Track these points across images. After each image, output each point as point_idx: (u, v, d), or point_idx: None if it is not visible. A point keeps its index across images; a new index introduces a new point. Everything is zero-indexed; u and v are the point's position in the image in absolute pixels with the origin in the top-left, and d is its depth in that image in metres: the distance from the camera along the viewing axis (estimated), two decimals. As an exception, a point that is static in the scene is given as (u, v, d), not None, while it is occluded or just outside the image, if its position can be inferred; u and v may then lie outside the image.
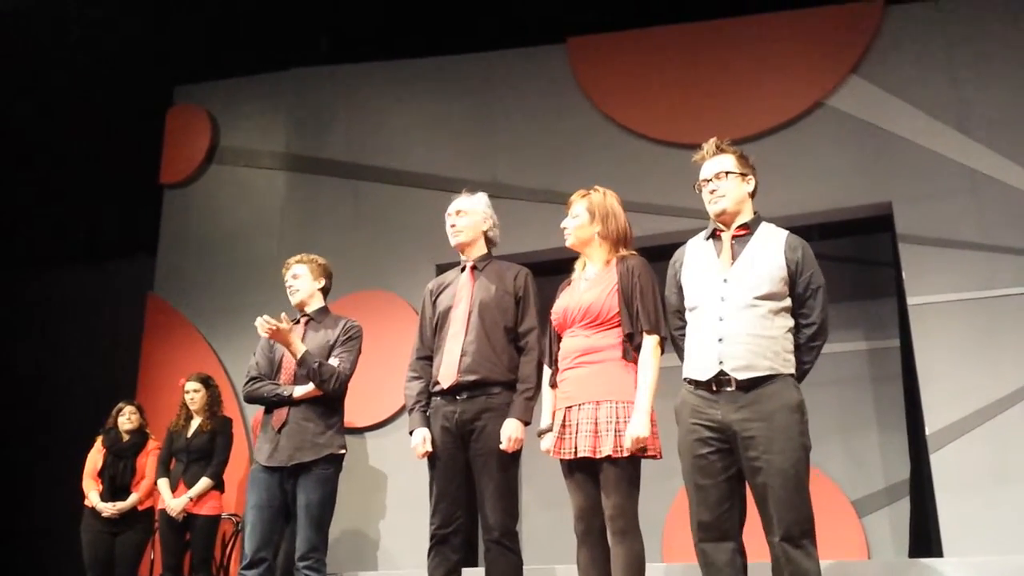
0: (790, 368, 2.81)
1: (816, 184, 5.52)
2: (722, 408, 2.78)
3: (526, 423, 3.30)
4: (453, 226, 3.60)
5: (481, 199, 3.65)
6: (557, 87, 6.30)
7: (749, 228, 2.95)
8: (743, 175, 2.97)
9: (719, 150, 3.03)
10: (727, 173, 2.96)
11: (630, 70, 6.15)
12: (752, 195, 3.00)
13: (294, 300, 4.09)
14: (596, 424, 3.03)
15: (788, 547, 2.65)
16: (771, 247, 2.89)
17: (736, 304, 2.83)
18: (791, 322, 2.85)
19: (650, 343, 3.08)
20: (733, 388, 2.77)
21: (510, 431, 3.25)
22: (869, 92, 5.59)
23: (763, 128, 5.70)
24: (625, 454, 2.97)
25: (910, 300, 5.16)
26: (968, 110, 5.37)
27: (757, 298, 2.81)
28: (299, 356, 3.80)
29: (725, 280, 2.88)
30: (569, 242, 3.31)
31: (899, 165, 5.42)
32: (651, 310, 3.10)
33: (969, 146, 5.30)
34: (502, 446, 3.25)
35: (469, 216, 3.60)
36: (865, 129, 5.55)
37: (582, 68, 6.27)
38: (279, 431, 3.83)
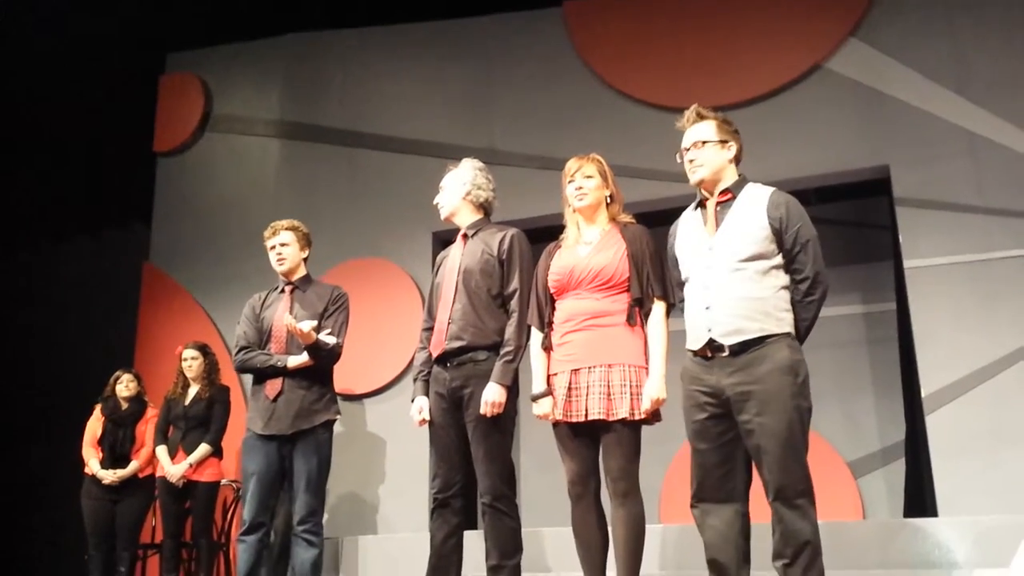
0: (785, 327, 2.78)
1: (814, 147, 5.49)
2: (716, 374, 2.80)
3: (508, 387, 3.29)
4: (437, 203, 3.67)
5: (462, 168, 3.65)
6: (554, 51, 6.23)
7: (732, 192, 2.93)
8: (722, 142, 2.94)
9: (699, 117, 2.99)
10: (704, 142, 2.93)
11: (627, 34, 6.08)
12: (736, 160, 2.97)
13: (282, 268, 4.12)
14: (609, 387, 3.06)
15: (782, 507, 2.67)
16: (754, 208, 2.86)
17: (721, 270, 2.83)
18: (784, 280, 2.83)
19: (660, 309, 3.15)
20: (727, 354, 2.78)
21: (488, 396, 3.27)
22: (868, 55, 5.54)
23: (761, 91, 5.66)
24: (641, 415, 3.03)
25: (907, 263, 5.16)
26: (967, 73, 5.33)
27: (742, 261, 2.81)
28: (314, 342, 3.85)
29: (710, 248, 2.88)
30: (585, 202, 3.28)
31: (897, 128, 5.38)
32: (661, 276, 3.16)
33: (968, 109, 5.26)
34: (481, 411, 3.26)
35: (446, 190, 3.66)
36: (863, 92, 5.51)
37: (579, 32, 6.21)
38: (275, 400, 3.89)
